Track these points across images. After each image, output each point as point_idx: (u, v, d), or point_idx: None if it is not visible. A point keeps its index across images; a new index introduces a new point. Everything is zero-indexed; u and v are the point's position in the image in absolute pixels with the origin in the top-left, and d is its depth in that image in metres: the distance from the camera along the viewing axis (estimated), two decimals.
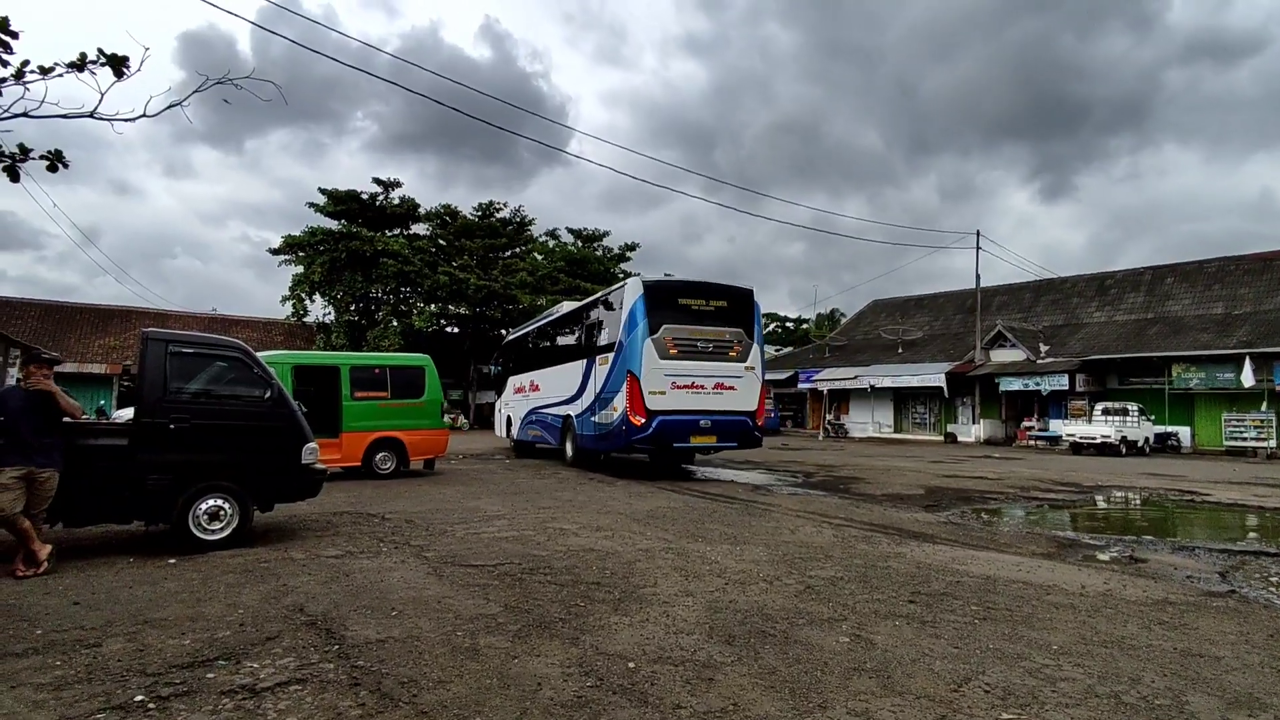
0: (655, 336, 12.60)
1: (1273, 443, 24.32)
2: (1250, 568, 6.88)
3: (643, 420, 12.45)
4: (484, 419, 39.41)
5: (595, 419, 13.80)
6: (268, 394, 6.93)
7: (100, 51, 8.75)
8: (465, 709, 3.31)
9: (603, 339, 13.98)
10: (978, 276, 34.80)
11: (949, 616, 4.89)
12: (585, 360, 14.70)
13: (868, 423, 38.58)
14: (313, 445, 7.21)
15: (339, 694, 3.44)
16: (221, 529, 6.65)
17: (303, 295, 37.15)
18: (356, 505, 9.65)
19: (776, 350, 60.28)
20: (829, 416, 39.54)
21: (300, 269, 37.69)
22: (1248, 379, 24.49)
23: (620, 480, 13.37)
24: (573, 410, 15.11)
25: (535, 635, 4.34)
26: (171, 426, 6.41)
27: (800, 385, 41.25)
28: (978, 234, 34.28)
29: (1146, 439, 25.30)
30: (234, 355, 6.93)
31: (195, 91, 8.97)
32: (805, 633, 4.50)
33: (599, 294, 15.39)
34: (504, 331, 41.73)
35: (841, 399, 40.32)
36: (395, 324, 37.81)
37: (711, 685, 3.64)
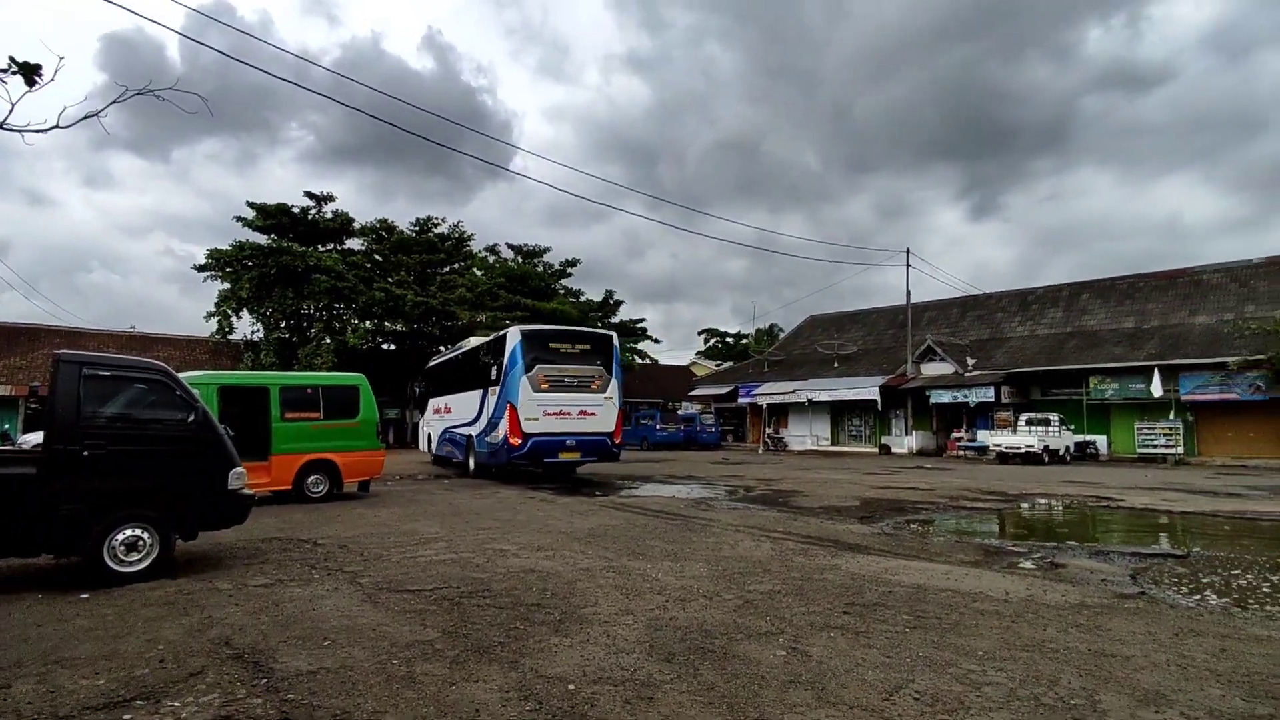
0: (530, 374, 15.44)
1: (1180, 449, 25.79)
2: (1158, 570, 7.28)
3: (519, 441, 15.21)
4: (507, 445, 38.53)
5: (488, 439, 16.54)
6: (191, 417, 6.66)
7: (11, 60, 8.36)
8: None
9: (493, 374, 16.61)
10: (908, 293, 36.01)
11: (881, 626, 5.03)
12: (482, 390, 17.25)
13: (806, 436, 39.30)
14: (239, 470, 6.96)
15: None
16: (140, 560, 6.34)
17: (229, 312, 35.77)
18: (287, 531, 9.33)
19: (717, 365, 61.02)
20: (768, 430, 40.13)
21: (227, 285, 36.34)
22: (1157, 389, 25.94)
23: (562, 498, 13.30)
24: (473, 431, 17.82)
25: (473, 660, 4.28)
26: (85, 453, 6.09)
27: (740, 399, 41.79)
28: (908, 252, 35.51)
29: (1067, 448, 26.48)
30: (154, 377, 6.64)
31: (114, 102, 8.62)
32: (744, 647, 4.56)
33: (491, 338, 18.03)
34: (442, 348, 41.15)
35: (780, 413, 41.00)
36: (328, 341, 36.77)
37: (651, 704, 3.65)
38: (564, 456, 15.84)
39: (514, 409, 15.25)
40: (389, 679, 3.97)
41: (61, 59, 8.17)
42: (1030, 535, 9.79)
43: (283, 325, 37.72)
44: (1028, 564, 7.43)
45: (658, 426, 38.64)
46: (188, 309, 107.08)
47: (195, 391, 6.97)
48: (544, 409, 15.42)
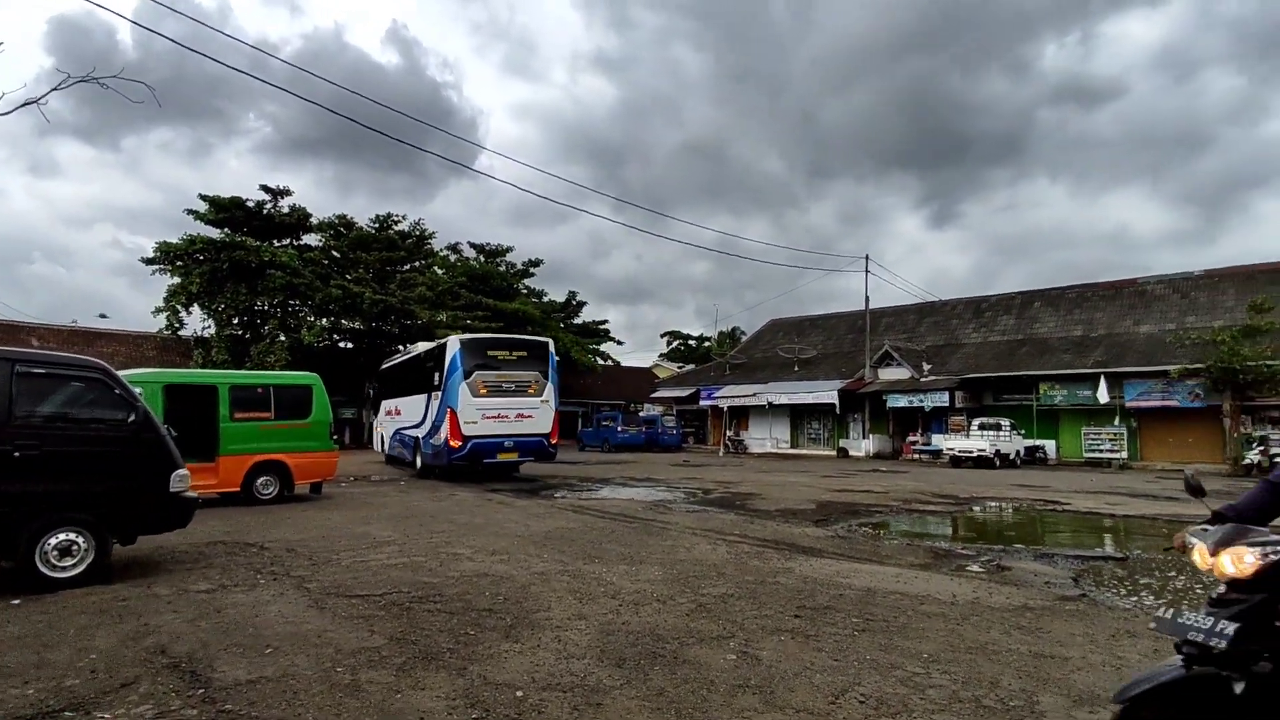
0: (469, 380, 16.32)
1: (1124, 454, 26.65)
2: (1099, 572, 7.51)
3: (459, 443, 16.10)
4: (448, 446, 37.91)
5: (432, 441, 17.43)
6: (131, 417, 6.44)
7: None
8: None
9: (435, 380, 17.38)
10: (866, 299, 36.59)
11: (831, 629, 5.09)
12: (427, 395, 18.07)
13: (766, 438, 39.66)
14: (182, 472, 6.75)
15: None
16: (75, 565, 6.11)
17: (178, 307, 34.68)
18: (233, 534, 9.08)
19: (679, 367, 61.20)
20: (729, 432, 40.41)
21: (176, 279, 35.26)
22: (1103, 396, 26.77)
23: (520, 501, 13.20)
24: (420, 433, 18.61)
25: (420, 668, 4.22)
26: (16, 454, 5.84)
27: (702, 402, 42.01)
28: (866, 258, 36.07)
29: (1017, 452, 27.17)
30: (92, 375, 6.41)
31: (55, 89, 8.34)
32: (694, 652, 4.57)
33: (434, 345, 18.97)
34: (401, 348, 40.54)
35: (741, 415, 41.31)
36: (283, 339, 35.95)
37: (599, 710, 3.64)
38: (502, 457, 16.84)
39: (454, 413, 16.14)
40: (332, 688, 3.89)
41: (1, 44, 7.86)
42: (979, 538, 10.01)
43: (235, 322, 36.75)
44: (975, 567, 7.60)
45: (619, 428, 38.60)
46: (137, 304, 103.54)
47: (136, 391, 6.75)
48: (483, 413, 16.33)
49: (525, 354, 17.50)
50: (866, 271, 35.96)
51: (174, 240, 35.53)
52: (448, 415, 16.22)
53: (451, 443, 16.09)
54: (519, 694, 3.83)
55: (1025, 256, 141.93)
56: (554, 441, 17.62)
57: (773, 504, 13.14)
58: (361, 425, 39.96)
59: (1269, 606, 2.18)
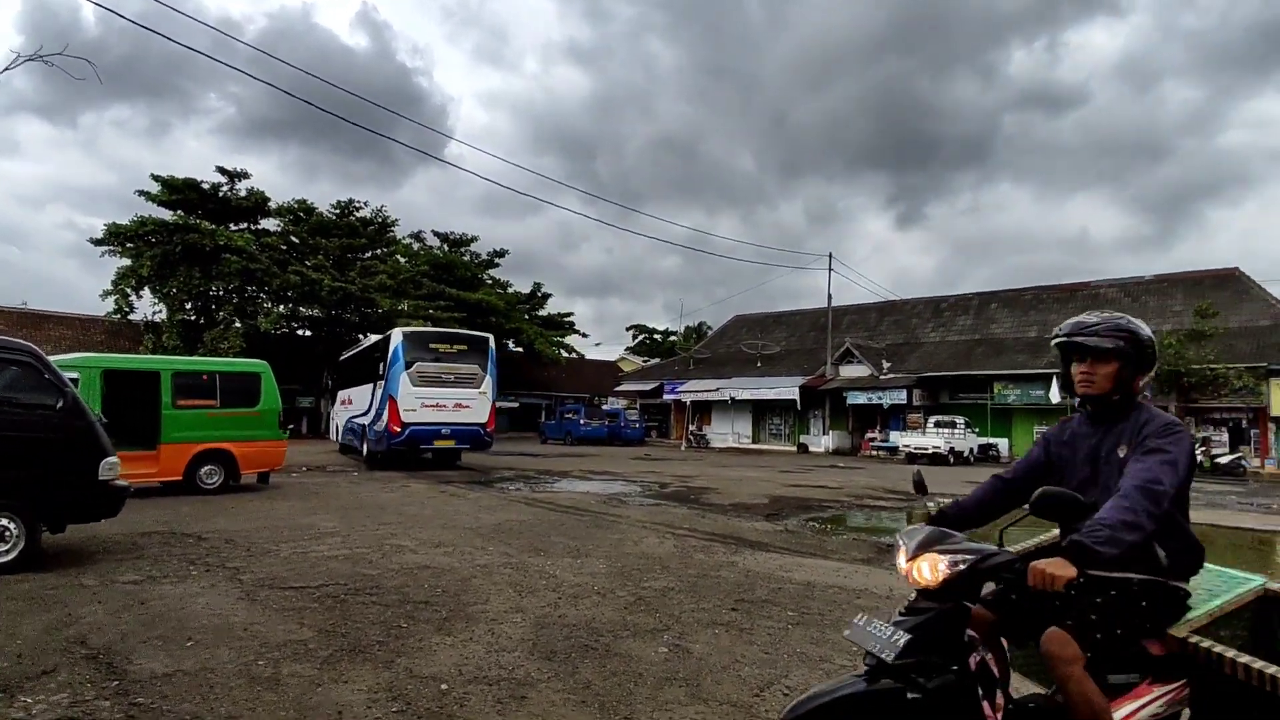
0: (410, 371, 17.30)
1: None
2: None
3: (399, 429, 17.03)
4: (389, 433, 37.32)
5: (375, 427, 18.35)
6: (59, 403, 6.23)
7: None
8: None
9: (380, 370, 18.36)
10: (829, 296, 37.04)
11: (765, 623, 5.14)
12: (373, 384, 18.94)
13: (728, 433, 39.95)
14: (112, 459, 6.55)
15: None
16: (6, 551, 5.91)
17: (127, 290, 33.68)
18: (171, 524, 8.85)
19: (645, 361, 61.30)
20: (691, 427, 40.62)
21: (127, 262, 34.23)
22: (1055, 396, 27.43)
23: (472, 493, 13.10)
24: (366, 420, 19.47)
25: (346, 660, 4.15)
26: None
27: (665, 396, 42.15)
28: (830, 256, 36.55)
29: (971, 449, 27.78)
30: (19, 359, 6.18)
31: (6, 69, 8.00)
32: (627, 645, 4.57)
33: (381, 337, 19.92)
34: (361, 337, 39.92)
35: (704, 410, 41.55)
36: (238, 325, 35.16)
37: (523, 704, 3.62)
38: (439, 444, 17.80)
39: (394, 400, 17.19)
40: (251, 681, 3.81)
41: None
42: None
43: (188, 307, 35.83)
44: None
45: (582, 421, 38.54)
46: (90, 286, 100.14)
47: (65, 376, 6.53)
48: (422, 401, 17.29)
49: (465, 348, 18.54)
50: (830, 270, 36.42)
51: (124, 222, 34.53)
52: (389, 403, 17.27)
53: (392, 428, 17.06)
54: (443, 687, 3.79)
55: (987, 258, 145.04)
56: (490, 431, 18.55)
57: (727, 498, 13.23)
58: (319, 414, 39.31)
59: (950, 617, 2.11)
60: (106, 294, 33.98)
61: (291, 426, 37.94)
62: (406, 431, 17.06)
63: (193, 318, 35.91)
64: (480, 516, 10.05)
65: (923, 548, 2.20)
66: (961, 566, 2.09)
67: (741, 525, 9.93)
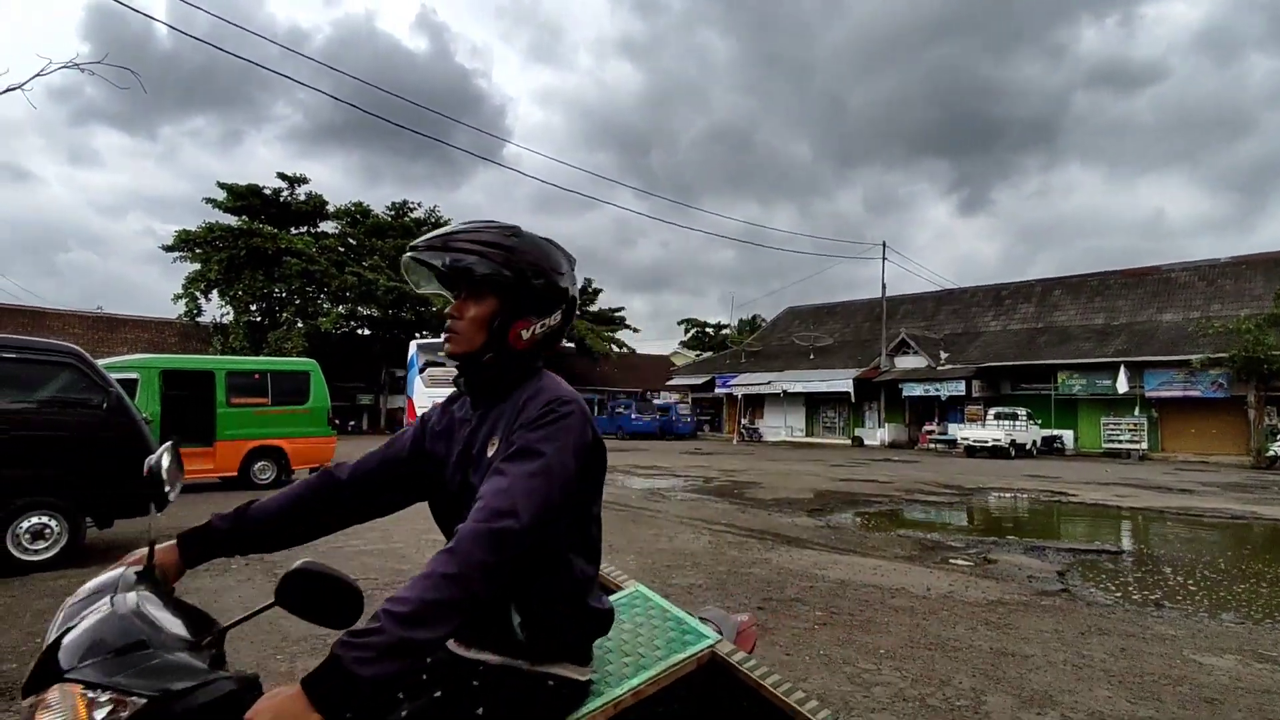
0: (423, 375, 19.65)
1: (1144, 445, 26.09)
2: (1088, 566, 7.29)
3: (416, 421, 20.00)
4: (395, 424, 38.32)
5: (409, 420, 21.47)
6: (104, 402, 6.47)
7: None
8: None
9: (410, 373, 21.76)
10: (884, 286, 36.10)
11: (791, 623, 4.97)
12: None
13: (781, 427, 39.42)
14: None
15: None
16: (48, 548, 6.17)
17: (197, 294, 35.19)
18: None
19: (697, 355, 60.99)
20: (743, 421, 40.23)
21: (197, 266, 35.76)
22: (1122, 385, 26.20)
23: None
24: None
25: None
26: None
27: (717, 390, 41.84)
28: (884, 245, 35.58)
29: (1034, 442, 26.73)
30: (65, 360, 6.44)
31: (37, 75, 8.34)
32: None
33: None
34: (419, 334, 40.78)
35: (756, 403, 41.09)
36: (300, 326, 36.33)
37: None
38: None
39: (411, 401, 20.20)
40: (266, 676, 3.83)
41: None
42: (973, 530, 9.80)
43: (253, 308, 37.20)
44: (960, 559, 7.42)
45: (633, 416, 38.59)
46: (166, 291, 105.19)
47: (128, 376, 6.79)
48: (433, 400, 19.82)
49: None
50: (884, 259, 35.51)
51: (193, 228, 36.05)
52: (408, 402, 20.36)
53: (410, 420, 19.56)
54: None
55: (1054, 243, 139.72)
56: None
57: (771, 493, 13.00)
58: (379, 411, 40.36)
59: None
60: (177, 297, 35.60)
61: (353, 423, 39.39)
62: None
63: (258, 319, 37.27)
64: None
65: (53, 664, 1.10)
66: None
67: (781, 521, 9.72)
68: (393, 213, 41.46)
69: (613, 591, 2.02)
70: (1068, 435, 28.81)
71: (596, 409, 46.26)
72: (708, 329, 68.73)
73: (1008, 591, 6.01)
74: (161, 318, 40.03)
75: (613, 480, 15.16)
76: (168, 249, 36.43)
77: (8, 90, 7.93)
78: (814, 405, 38.72)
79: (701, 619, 1.80)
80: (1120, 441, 26.69)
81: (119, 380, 10.63)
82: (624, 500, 11.58)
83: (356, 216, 40.69)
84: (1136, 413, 26.80)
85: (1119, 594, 6.11)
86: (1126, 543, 9.05)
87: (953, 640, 4.64)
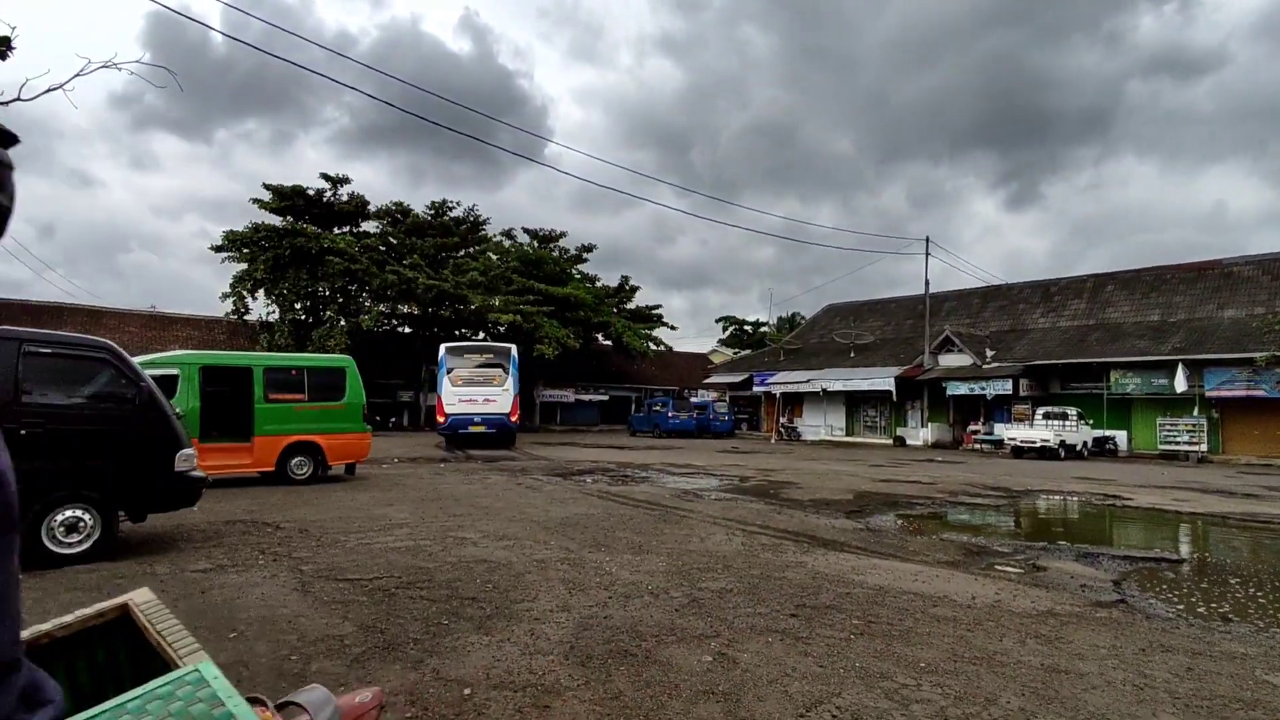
0: (449, 375, 23.40)
1: (1203, 447, 24.96)
2: (1147, 575, 6.87)
3: (444, 419, 23.37)
4: (434, 421, 38.69)
5: (437, 418, 24.38)
6: (136, 397, 6.50)
7: None
8: None
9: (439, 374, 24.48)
10: (926, 282, 35.26)
11: (826, 631, 4.72)
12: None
13: (820, 426, 38.80)
14: (188, 451, 6.80)
15: None
16: (81, 541, 6.22)
17: (244, 293, 36.00)
18: (255, 513, 9.21)
19: (735, 353, 60.44)
20: (782, 419, 39.68)
21: (243, 266, 36.57)
22: (1180, 385, 25.11)
23: (548, 486, 13.10)
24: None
25: (377, 659, 4.06)
26: (23, 432, 5.96)
27: (755, 388, 41.38)
28: (927, 240, 34.73)
29: (1085, 443, 25.78)
30: (99, 356, 6.49)
31: (77, 75, 8.47)
32: (670, 651, 4.28)
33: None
34: (459, 333, 41.16)
35: (795, 402, 40.51)
36: (343, 324, 36.90)
37: (544, 714, 3.40)
38: (473, 429, 23.15)
39: (440, 398, 23.60)
40: (278, 677, 3.76)
41: (15, 28, 8.01)
42: (1020, 534, 9.37)
43: (298, 306, 37.89)
44: (1007, 566, 7.06)
45: (670, 414, 38.32)
46: (220, 290, 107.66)
47: (169, 372, 6.82)
48: (459, 397, 23.26)
49: (491, 356, 24.39)
50: (927, 254, 34.69)
51: (240, 228, 36.87)
52: (438, 399, 23.71)
53: (438, 418, 23.69)
54: (466, 691, 3.62)
55: (1108, 238, 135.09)
56: (513, 419, 23.92)
57: (808, 494, 12.67)
58: (419, 408, 40.81)
59: None
60: (225, 296, 36.43)
61: (393, 420, 39.92)
62: (449, 420, 23.03)
63: (303, 317, 37.96)
64: (550, 510, 9.97)
65: None
66: None
67: (818, 523, 9.42)
68: (432, 212, 41.84)
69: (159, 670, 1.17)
70: (1121, 436, 27.74)
71: (634, 406, 46.16)
72: (746, 327, 68.12)
73: (1059, 602, 5.66)
74: (212, 316, 41.04)
75: (647, 479, 14.98)
76: (216, 249, 37.31)
77: (48, 90, 8.03)
78: (855, 404, 38.03)
79: (286, 705, 1.25)
80: (1178, 443, 25.58)
81: (160, 376, 10.82)
82: (656, 499, 11.38)
83: (397, 216, 41.15)
84: (1195, 413, 25.66)
85: (1181, 606, 5.71)
86: (1187, 550, 8.55)
87: (1000, 654, 4.34)
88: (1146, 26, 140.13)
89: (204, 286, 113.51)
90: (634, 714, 3.41)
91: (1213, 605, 5.76)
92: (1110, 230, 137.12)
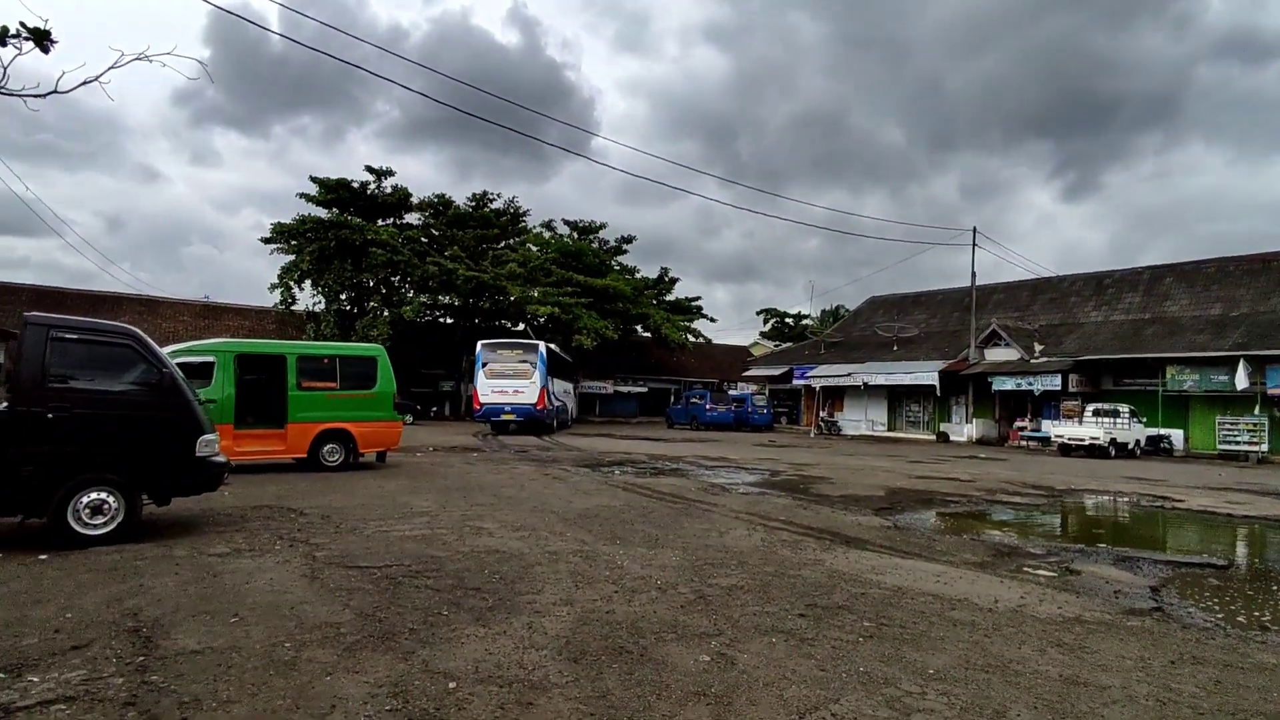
0: (484, 368, 26.35)
1: (1265, 447, 23.76)
2: (1189, 582, 6.50)
3: (479, 407, 26.52)
4: (474, 410, 39.09)
5: (474, 407, 27.60)
6: (159, 383, 6.61)
7: (22, 25, 8.51)
8: None
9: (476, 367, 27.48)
10: (974, 274, 34.25)
11: (833, 633, 4.55)
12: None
13: (861, 420, 38.11)
14: (209, 436, 6.90)
15: (102, 715, 3.12)
16: (106, 523, 6.36)
17: (290, 284, 36.82)
18: (283, 498, 9.36)
19: (775, 346, 59.75)
20: (822, 413, 39.08)
21: (291, 257, 37.40)
22: (1241, 381, 23.94)
23: (574, 477, 13.07)
24: None
25: (369, 649, 4.02)
26: (49, 416, 6.11)
27: (795, 381, 40.81)
28: (974, 231, 33.75)
29: (1137, 441, 24.78)
30: (123, 342, 6.62)
31: (112, 67, 8.65)
32: (667, 650, 4.16)
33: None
34: (500, 324, 41.50)
35: (836, 396, 39.85)
36: (385, 314, 37.50)
37: (526, 711, 3.31)
38: (505, 417, 25.73)
39: (475, 389, 26.84)
40: (268, 664, 3.74)
41: (46, 21, 8.23)
42: (1057, 536, 9.00)
43: (342, 297, 38.60)
44: (1038, 569, 6.75)
45: (707, 407, 38.07)
46: (272, 281, 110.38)
47: (205, 360, 6.92)
48: (492, 388, 26.10)
49: (522, 351, 27.04)
50: (974, 245, 33.71)
51: (287, 221, 37.71)
52: (473, 390, 27.00)
53: (475, 406, 26.97)
54: (451, 685, 3.56)
55: (1172, 230, 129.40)
56: (540, 408, 25.91)
57: (838, 489, 12.40)
58: (460, 397, 41.31)
59: None
60: (273, 287, 37.31)
61: (435, 409, 40.49)
62: (484, 408, 26.06)
63: (347, 307, 38.69)
64: (573, 501, 9.92)
65: None
66: None
67: (844, 519, 9.18)
68: (473, 204, 42.18)
69: None
70: (1176, 435, 26.58)
71: (672, 399, 45.98)
72: (788, 319, 67.22)
73: (1088, 608, 5.37)
74: (261, 306, 42.13)
75: (675, 471, 14.85)
76: (266, 241, 38.23)
77: (83, 84, 8.18)
78: (897, 398, 37.24)
79: None
80: (1237, 442, 24.40)
81: (197, 363, 11.06)
82: (681, 493, 11.25)
83: (439, 208, 41.60)
84: (1257, 411, 24.43)
85: (1221, 615, 5.37)
86: (1237, 556, 8.09)
87: (1016, 663, 4.12)
88: (1216, 8, 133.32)
89: (261, 278, 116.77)
90: (619, 714, 3.30)
91: (1255, 614, 5.41)
92: (1174, 221, 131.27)
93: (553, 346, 30.92)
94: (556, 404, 29.32)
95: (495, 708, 3.33)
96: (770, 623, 4.73)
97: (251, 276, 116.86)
